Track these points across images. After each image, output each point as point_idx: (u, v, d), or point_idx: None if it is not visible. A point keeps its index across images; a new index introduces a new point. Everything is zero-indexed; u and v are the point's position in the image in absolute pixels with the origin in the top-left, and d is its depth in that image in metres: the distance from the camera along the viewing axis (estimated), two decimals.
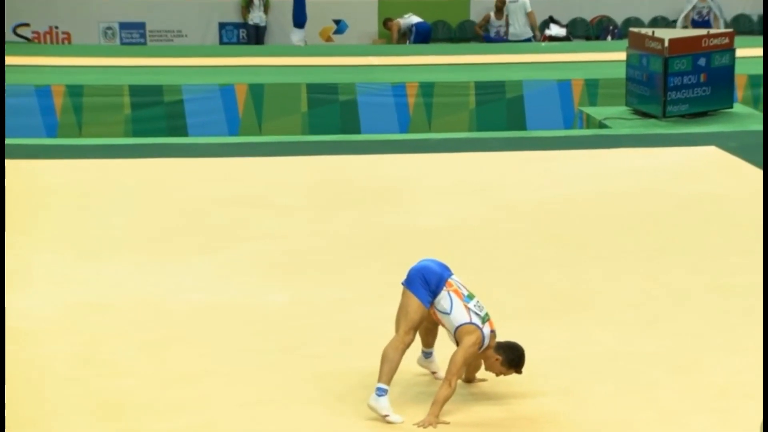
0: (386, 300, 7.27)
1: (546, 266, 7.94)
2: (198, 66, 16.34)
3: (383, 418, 5.48)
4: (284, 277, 7.72)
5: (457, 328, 5.53)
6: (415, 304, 5.56)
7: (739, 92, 14.22)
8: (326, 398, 5.83)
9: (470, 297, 5.60)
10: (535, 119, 14.45)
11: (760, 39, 19.48)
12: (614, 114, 13.10)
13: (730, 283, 7.52)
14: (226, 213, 9.29)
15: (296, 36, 19.85)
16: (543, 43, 19.67)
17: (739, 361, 6.23)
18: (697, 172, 10.52)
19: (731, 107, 12.96)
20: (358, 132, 14.05)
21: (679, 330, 6.73)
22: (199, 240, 8.53)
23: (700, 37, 12.78)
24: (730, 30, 13.26)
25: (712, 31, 13.48)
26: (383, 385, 5.51)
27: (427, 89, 14.52)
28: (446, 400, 5.48)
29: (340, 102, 14.35)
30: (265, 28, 20.87)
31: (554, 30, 20.18)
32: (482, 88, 14.60)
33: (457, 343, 5.55)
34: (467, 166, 11.00)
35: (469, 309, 5.55)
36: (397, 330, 5.61)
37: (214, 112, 14.20)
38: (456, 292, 5.58)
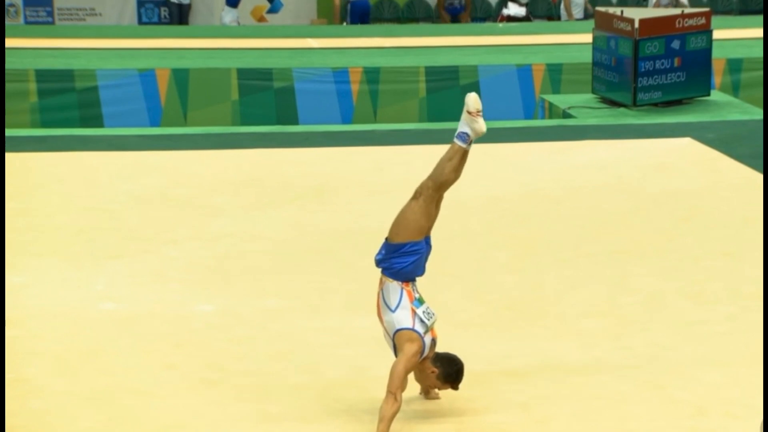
0: (324, 310, 7.29)
1: (501, 270, 7.98)
2: (114, 48, 16.23)
3: None
4: (210, 285, 7.69)
5: (397, 331, 5.55)
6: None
7: (717, 78, 14.37)
8: (256, 419, 5.81)
9: (420, 301, 5.62)
10: (492, 108, 14.46)
11: (740, 19, 19.76)
12: (579, 102, 13.18)
13: (707, 289, 7.59)
14: (145, 213, 9.23)
15: (229, 16, 19.79)
16: (500, 24, 19.77)
17: (719, 375, 6.28)
18: (671, 166, 10.61)
19: (708, 95, 13.09)
20: (296, 122, 14.03)
21: (650, 341, 6.79)
22: (115, 243, 8.47)
23: (673, 18, 12.89)
24: (706, 9, 13.39)
25: (687, 10, 13.61)
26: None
27: (372, 75, 14.53)
28: (393, 416, 5.50)
29: (275, 89, 14.32)
30: (189, 6, 20.79)
31: (513, 9, 20.28)
32: (434, 73, 14.64)
33: (395, 349, 5.56)
34: (417, 160, 11.00)
35: (415, 313, 5.56)
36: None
37: (133, 100, 14.11)
38: (408, 292, 5.59)
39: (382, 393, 6.04)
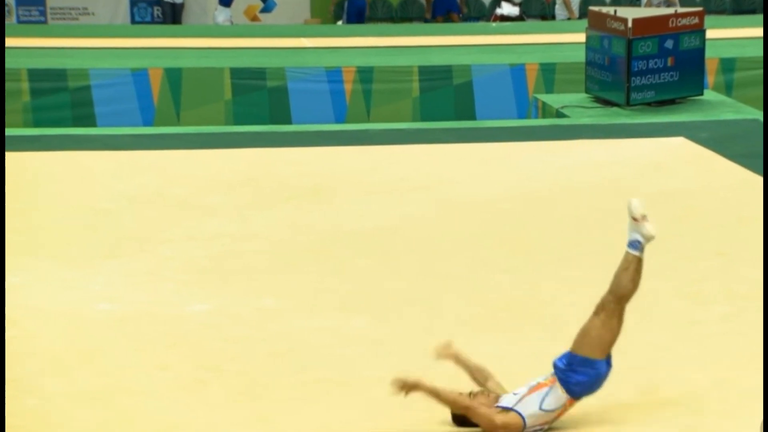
0: (319, 309, 7.28)
1: (497, 271, 7.98)
2: (107, 48, 16.22)
3: None
4: (206, 285, 7.68)
5: (518, 409, 5.49)
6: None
7: (710, 78, 14.40)
8: (252, 421, 5.81)
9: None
10: (485, 108, 14.51)
11: (733, 19, 19.79)
12: (573, 102, 13.19)
13: (702, 289, 7.60)
14: (140, 213, 9.22)
15: (222, 15, 19.80)
16: (494, 24, 19.78)
17: (714, 376, 6.28)
18: (665, 165, 10.62)
19: (701, 94, 13.11)
20: (289, 122, 14.03)
21: (645, 341, 6.79)
22: (110, 243, 8.46)
23: (667, 17, 12.91)
24: (699, 9, 13.40)
25: (680, 10, 13.63)
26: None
27: (365, 75, 14.53)
28: (438, 395, 5.47)
29: (268, 89, 14.32)
30: (182, 5, 20.77)
31: (506, 9, 20.31)
32: (427, 73, 14.64)
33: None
34: (410, 159, 11.02)
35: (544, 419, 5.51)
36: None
37: (126, 100, 14.10)
38: (564, 410, 5.55)
39: (376, 393, 6.05)
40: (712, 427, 5.72)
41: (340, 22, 20.33)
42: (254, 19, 20.86)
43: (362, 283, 7.79)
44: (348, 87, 14.46)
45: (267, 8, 20.58)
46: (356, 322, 7.07)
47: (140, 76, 14.19)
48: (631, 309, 7.26)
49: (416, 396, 5.94)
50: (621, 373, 6.34)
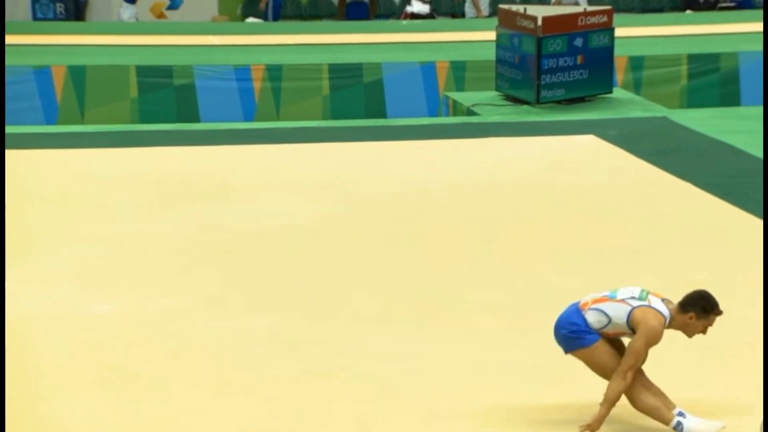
0: (222, 310, 7.22)
1: (407, 268, 7.99)
2: (8, 45, 15.94)
3: None
4: (107, 285, 7.59)
5: (628, 323, 5.44)
6: (593, 353, 5.52)
7: (619, 76, 14.56)
8: (156, 421, 5.75)
9: (614, 292, 5.56)
10: (396, 106, 14.53)
11: (641, 17, 20.04)
12: (483, 100, 13.26)
13: (611, 286, 7.63)
14: (41, 212, 9.09)
15: (127, 12, 19.58)
16: (404, 21, 19.82)
17: None
18: (575, 163, 10.72)
19: (611, 92, 13.25)
20: (197, 120, 13.92)
21: (553, 338, 6.82)
22: (12, 243, 8.31)
23: (576, 15, 13.03)
24: (608, 7, 13.55)
25: (589, 8, 13.76)
26: (675, 410, 5.49)
27: (274, 72, 14.48)
28: (618, 396, 5.44)
29: (175, 86, 14.20)
30: (86, 2, 20.52)
31: (416, 7, 20.36)
32: (337, 71, 14.62)
33: (629, 325, 5.46)
34: (320, 158, 11.00)
35: (623, 301, 5.49)
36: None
37: (28, 98, 13.89)
38: (596, 301, 5.54)
39: (283, 393, 6.03)
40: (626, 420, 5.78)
41: (249, 20, 20.23)
42: (160, 16, 20.67)
43: (270, 282, 7.75)
44: (257, 85, 14.40)
45: (173, 5, 20.41)
46: (262, 321, 7.02)
47: (42, 73, 13.99)
48: (542, 306, 7.32)
49: (325, 395, 5.93)
50: (530, 368, 6.38)
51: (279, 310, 7.23)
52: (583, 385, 6.13)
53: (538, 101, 12.83)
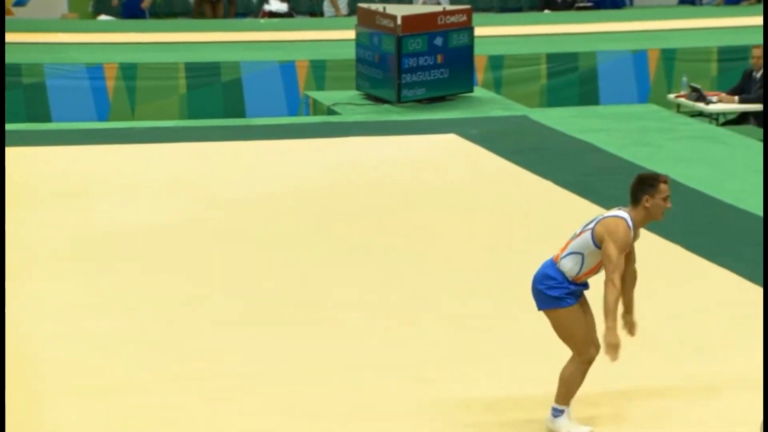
0: (73, 318, 7.07)
1: (267, 269, 7.96)
2: None
3: None
4: None
5: (596, 244, 5.47)
6: (565, 316, 5.51)
7: (479, 75, 14.71)
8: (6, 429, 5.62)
9: (573, 233, 5.59)
10: (255, 105, 14.46)
11: (500, 17, 20.28)
12: (344, 99, 13.28)
13: (474, 284, 7.74)
14: None
15: None
16: (262, 20, 19.75)
17: (484, 370, 6.39)
18: (436, 162, 10.80)
19: (471, 91, 13.39)
20: (48, 120, 13.66)
21: (417, 335, 6.87)
22: None
23: (435, 14, 13.13)
24: (467, 6, 13.68)
25: (449, 7, 13.89)
26: (559, 406, 5.55)
27: (129, 71, 14.30)
28: (616, 302, 5.42)
29: (24, 85, 13.93)
30: None
31: (274, 5, 20.30)
32: (194, 70, 14.50)
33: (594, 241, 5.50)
34: (177, 158, 10.90)
35: (582, 231, 5.56)
36: (573, 350, 5.55)
37: None
38: (563, 249, 5.58)
39: (140, 397, 5.95)
40: (480, 420, 5.83)
41: (101, 17, 19.93)
42: (7, 12, 20.22)
43: (125, 286, 7.64)
44: (110, 84, 14.19)
45: (20, 2, 19.99)
46: (120, 324, 6.92)
47: None
48: (406, 304, 7.37)
49: (183, 397, 5.87)
50: (393, 367, 6.42)
51: (138, 313, 7.13)
52: (444, 381, 6.19)
53: (399, 100, 12.90)
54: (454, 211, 9.32)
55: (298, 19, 20.44)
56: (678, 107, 13.44)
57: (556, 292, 5.54)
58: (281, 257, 8.21)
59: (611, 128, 11.92)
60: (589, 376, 5.59)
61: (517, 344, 6.67)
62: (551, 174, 10.15)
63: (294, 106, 14.42)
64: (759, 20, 18.17)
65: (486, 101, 13.35)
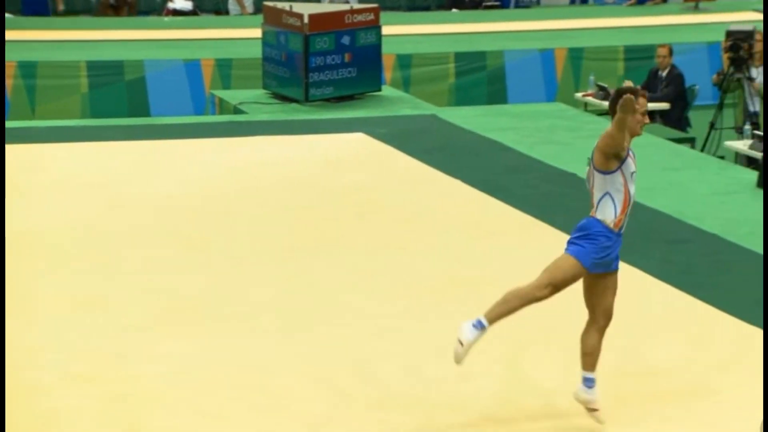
0: None
1: (172, 269, 7.89)
2: None
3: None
4: None
5: (601, 171, 5.61)
6: (569, 263, 5.54)
7: (387, 74, 14.75)
8: None
9: (589, 193, 5.66)
10: (160, 104, 14.35)
11: (408, 15, 20.35)
12: (250, 98, 13.22)
13: (382, 283, 7.74)
14: None
15: None
16: (166, 18, 19.60)
17: (396, 368, 6.40)
18: (345, 161, 10.79)
19: (379, 90, 13.40)
20: None
21: (327, 335, 6.86)
22: None
23: (342, 13, 13.12)
24: (374, 5, 13.70)
25: (356, 5, 13.90)
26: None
27: (28, 69, 14.12)
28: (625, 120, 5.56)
29: None
30: None
31: (179, 3, 20.15)
32: (96, 68, 14.37)
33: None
34: (79, 158, 10.76)
35: (588, 174, 5.66)
36: (541, 277, 5.55)
37: None
38: (591, 205, 5.63)
39: (46, 401, 5.85)
40: (392, 418, 5.83)
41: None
42: None
43: (31, 287, 7.53)
44: (9, 82, 13.99)
45: None
46: (27, 326, 6.81)
47: None
48: (313, 303, 7.33)
49: (89, 401, 5.78)
50: (300, 366, 6.40)
51: (46, 315, 7.02)
52: (357, 383, 6.18)
53: (307, 99, 12.88)
54: (362, 210, 9.32)
55: (203, 17, 20.33)
56: (585, 106, 13.59)
57: (585, 239, 5.58)
58: (188, 258, 8.14)
59: (519, 127, 12.01)
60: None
61: (425, 343, 6.68)
62: (460, 173, 10.19)
63: (200, 105, 14.34)
64: (664, 20, 18.54)
65: (394, 100, 13.38)
